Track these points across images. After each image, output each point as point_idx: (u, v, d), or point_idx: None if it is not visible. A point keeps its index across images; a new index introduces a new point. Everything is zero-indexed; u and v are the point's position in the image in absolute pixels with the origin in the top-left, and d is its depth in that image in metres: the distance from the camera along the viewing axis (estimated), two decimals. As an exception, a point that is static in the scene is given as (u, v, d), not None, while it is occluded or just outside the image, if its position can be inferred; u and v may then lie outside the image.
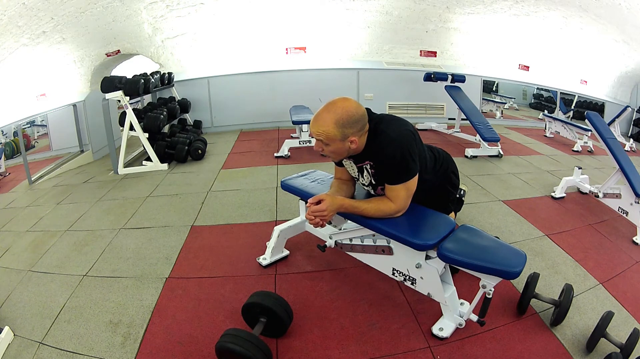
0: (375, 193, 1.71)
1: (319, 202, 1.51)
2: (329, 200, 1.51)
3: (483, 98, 6.66)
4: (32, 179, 4.21)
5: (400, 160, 1.46)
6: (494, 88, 7.29)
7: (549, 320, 1.70)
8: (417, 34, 6.16)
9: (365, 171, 1.62)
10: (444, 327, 1.57)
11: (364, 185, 1.72)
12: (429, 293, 1.54)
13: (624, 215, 2.74)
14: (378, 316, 1.71)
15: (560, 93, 7.15)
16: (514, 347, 1.55)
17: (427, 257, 1.51)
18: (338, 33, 5.94)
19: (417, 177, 1.52)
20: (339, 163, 1.73)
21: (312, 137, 1.53)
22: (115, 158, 4.09)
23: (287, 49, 5.98)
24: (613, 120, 6.41)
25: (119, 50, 5.13)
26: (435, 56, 6.42)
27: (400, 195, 1.52)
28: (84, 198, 3.41)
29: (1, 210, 3.46)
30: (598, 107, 7.03)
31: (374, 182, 1.65)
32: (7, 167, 4.79)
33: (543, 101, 7.60)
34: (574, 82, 6.96)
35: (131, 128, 4.03)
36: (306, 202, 2.01)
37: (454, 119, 5.32)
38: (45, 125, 5.26)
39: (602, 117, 4.85)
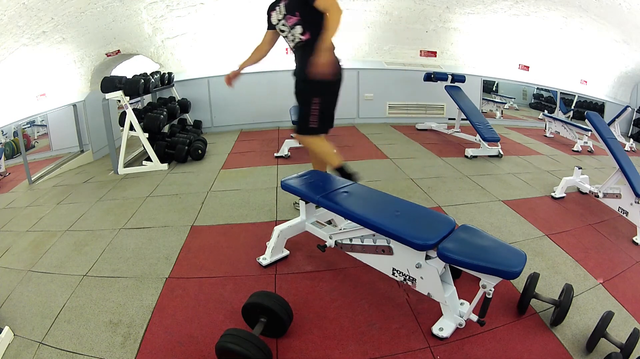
0: (303, 38, 2.26)
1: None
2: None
3: (483, 98, 6.65)
4: (32, 179, 4.21)
5: None
6: (494, 88, 7.28)
7: (549, 320, 1.70)
8: (417, 34, 6.16)
9: (296, 26, 2.22)
10: (444, 327, 1.57)
11: (293, 40, 2.29)
12: (429, 293, 1.54)
13: (624, 215, 2.74)
14: (378, 316, 1.71)
15: (560, 93, 7.15)
16: (514, 347, 1.55)
17: (427, 257, 1.51)
18: (338, 33, 5.93)
19: None
20: (271, 26, 2.41)
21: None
22: (115, 158, 4.09)
23: (287, 49, 5.95)
24: (613, 120, 6.41)
25: (119, 50, 5.14)
26: (435, 56, 6.42)
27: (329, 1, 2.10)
28: (84, 198, 3.41)
29: (1, 210, 3.46)
30: (598, 107, 7.03)
31: (302, 30, 2.22)
32: (7, 167, 4.79)
33: (543, 101, 7.60)
34: (574, 82, 6.95)
35: (131, 128, 4.02)
36: (306, 202, 2.02)
37: (454, 119, 5.31)
38: (45, 125, 5.26)
39: (602, 117, 4.85)
